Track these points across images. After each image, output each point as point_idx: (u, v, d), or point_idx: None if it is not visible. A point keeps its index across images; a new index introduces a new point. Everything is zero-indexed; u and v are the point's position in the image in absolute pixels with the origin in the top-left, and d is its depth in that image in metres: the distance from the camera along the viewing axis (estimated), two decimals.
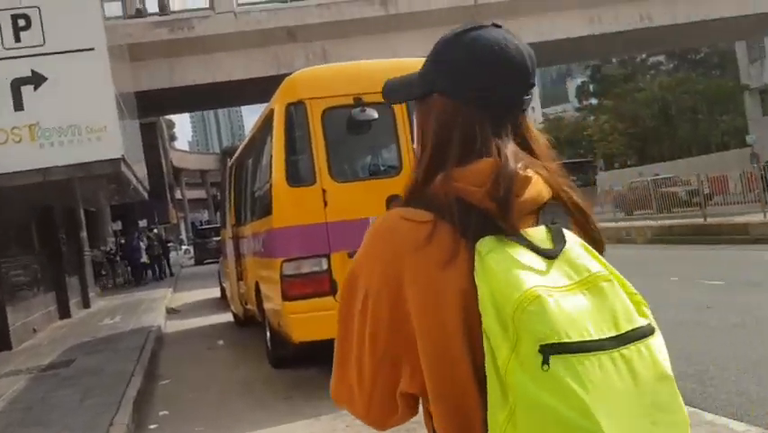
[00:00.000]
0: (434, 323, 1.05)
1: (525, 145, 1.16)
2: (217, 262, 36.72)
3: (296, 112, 6.61)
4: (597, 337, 0.96)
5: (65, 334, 12.95)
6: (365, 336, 1.12)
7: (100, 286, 21.70)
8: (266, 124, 7.35)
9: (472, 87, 1.13)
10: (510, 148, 1.12)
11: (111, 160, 11.50)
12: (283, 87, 6.89)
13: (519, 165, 1.10)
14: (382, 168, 7.10)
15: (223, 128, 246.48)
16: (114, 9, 26.06)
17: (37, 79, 11.16)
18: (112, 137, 11.51)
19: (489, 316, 0.98)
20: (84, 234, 17.55)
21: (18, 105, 11.09)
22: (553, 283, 0.99)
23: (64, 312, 15.85)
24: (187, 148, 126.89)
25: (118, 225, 32.80)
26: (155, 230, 26.66)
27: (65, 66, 11.24)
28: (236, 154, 9.63)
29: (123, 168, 11.83)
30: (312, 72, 7.12)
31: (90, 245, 20.93)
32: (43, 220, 15.49)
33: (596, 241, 1.14)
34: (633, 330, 1.00)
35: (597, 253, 1.07)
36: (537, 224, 1.10)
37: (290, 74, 7.18)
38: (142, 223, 36.34)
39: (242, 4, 27.40)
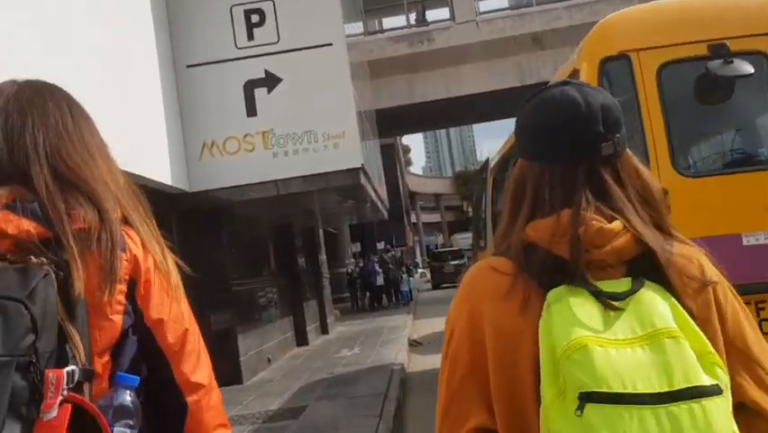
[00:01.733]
0: (507, 370, 1.13)
1: (611, 193, 1.17)
2: (456, 287, 35.39)
3: (616, 71, 4.32)
4: (642, 391, 0.98)
5: (300, 366, 11.65)
6: (444, 374, 1.22)
7: (339, 310, 20.79)
8: None
9: (535, 144, 1.23)
10: (584, 199, 1.15)
11: (349, 170, 9.98)
12: (592, 37, 4.59)
13: (596, 216, 1.14)
14: (761, 154, 4.52)
15: (455, 152, 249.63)
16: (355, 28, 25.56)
17: (271, 81, 9.95)
18: (350, 144, 9.99)
19: (545, 362, 1.05)
20: (323, 255, 16.54)
21: (251, 111, 9.94)
22: (610, 335, 1.03)
23: (301, 339, 14.77)
24: (420, 173, 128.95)
25: (357, 247, 32.40)
26: (391, 252, 25.30)
27: (300, 65, 9.93)
28: (498, 157, 7.53)
29: (363, 179, 10.26)
30: (639, 12, 4.76)
31: (328, 267, 20.08)
32: (281, 240, 14.55)
33: (686, 298, 1.13)
34: (688, 388, 0.99)
35: (678, 307, 1.08)
36: (627, 275, 1.12)
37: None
38: (380, 245, 35.91)
39: (484, 12, 25.70)
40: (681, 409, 0.97)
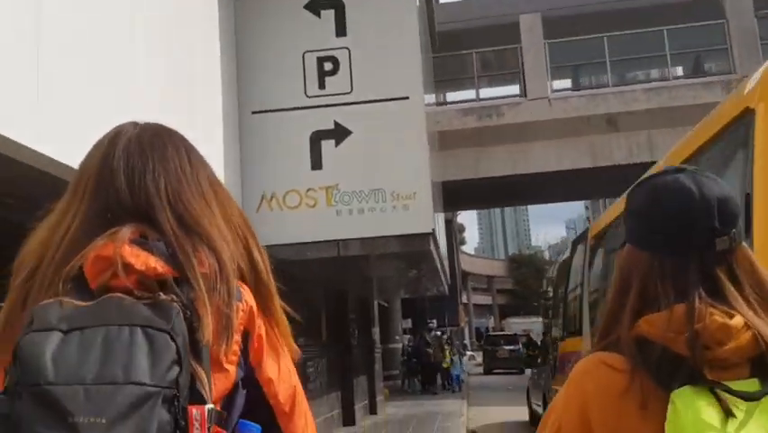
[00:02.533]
0: None
1: (724, 290, 1.14)
2: (509, 373, 34.09)
3: None
4: None
5: None
6: None
7: (388, 388, 19.49)
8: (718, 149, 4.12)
9: (645, 233, 1.20)
10: (697, 295, 1.12)
11: (419, 235, 9.04)
12: None
13: (715, 311, 1.10)
14: None
15: (509, 235, 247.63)
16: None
17: (340, 133, 9.17)
18: (422, 207, 9.07)
19: None
20: (377, 328, 15.48)
21: (316, 164, 9.15)
22: None
23: (348, 418, 13.60)
24: (473, 253, 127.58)
25: (408, 323, 31.18)
26: (434, 332, 23.49)
27: (373, 118, 9.16)
28: (602, 226, 6.49)
29: (432, 247, 9.30)
30: None
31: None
32: (335, 307, 13.58)
33: None
34: None
35: None
36: (752, 375, 1.08)
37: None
38: (431, 323, 34.57)
39: (558, 90, 24.94)
40: None
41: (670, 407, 1.05)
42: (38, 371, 1.00)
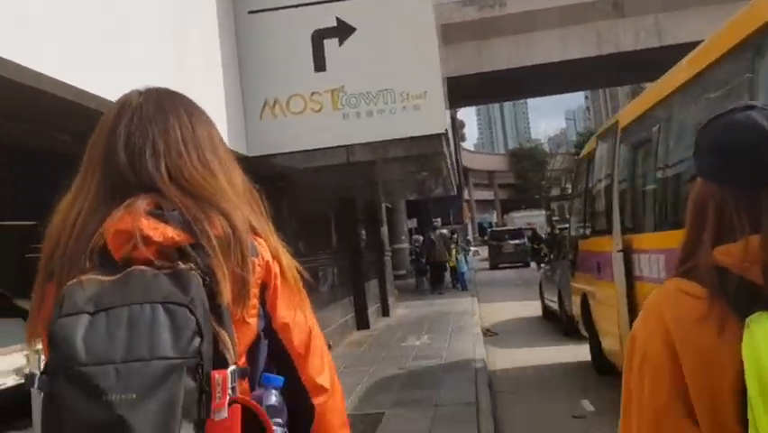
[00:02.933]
0: (706, 389, 1.14)
1: None
2: (515, 267, 34.26)
3: None
4: None
5: (364, 356, 10.42)
6: (645, 394, 1.21)
7: (398, 289, 19.50)
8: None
9: (718, 167, 1.23)
10: None
11: (431, 136, 8.63)
12: None
13: None
14: None
15: (509, 129, 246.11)
16: None
17: (343, 31, 8.60)
18: (433, 106, 8.62)
19: (754, 388, 1.06)
20: (385, 230, 15.27)
21: (319, 65, 8.62)
22: None
23: (362, 322, 13.57)
24: (472, 149, 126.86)
25: (413, 223, 31.09)
26: (439, 231, 22.56)
27: (377, 12, 8.57)
28: (632, 117, 6.06)
29: (445, 148, 8.90)
30: None
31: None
32: (343, 213, 13.32)
33: None
34: None
35: None
36: None
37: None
38: (436, 222, 34.53)
39: None
40: None
41: (746, 331, 1.10)
42: (71, 354, 1.07)
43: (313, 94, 8.61)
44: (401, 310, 16.78)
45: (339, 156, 8.69)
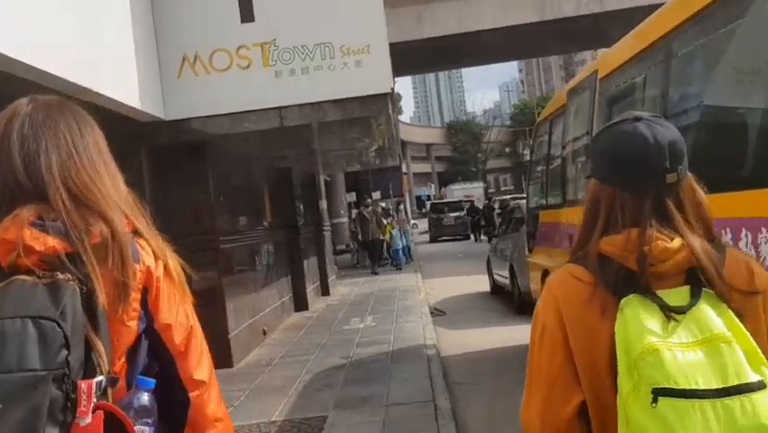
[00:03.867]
0: (588, 361, 1.36)
1: (671, 217, 1.39)
2: (456, 240, 33.72)
3: None
4: (703, 387, 1.20)
5: (303, 342, 9.45)
6: (543, 361, 1.43)
7: (338, 265, 18.50)
8: None
9: (609, 172, 1.44)
10: (649, 222, 1.37)
11: (376, 96, 7.64)
12: None
13: (659, 235, 1.36)
14: None
15: (444, 102, 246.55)
16: None
17: None
18: (378, 62, 7.63)
19: (621, 360, 1.27)
20: (324, 205, 14.24)
21: (247, 15, 7.54)
22: (675, 340, 1.25)
23: (300, 303, 12.59)
24: (408, 121, 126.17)
25: (352, 197, 30.10)
26: (371, 206, 20.41)
27: None
28: (615, 65, 5.16)
29: (391, 110, 7.93)
30: None
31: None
32: (279, 186, 12.24)
33: (735, 303, 1.33)
34: (739, 385, 1.21)
35: (729, 314, 1.29)
36: (686, 283, 1.35)
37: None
38: (376, 195, 33.60)
39: None
40: (733, 401, 1.20)
41: (619, 313, 1.32)
42: None
43: (239, 48, 7.52)
44: (342, 288, 15.85)
45: (271, 120, 7.64)
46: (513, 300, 11.09)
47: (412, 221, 49.25)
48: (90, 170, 1.38)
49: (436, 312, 11.41)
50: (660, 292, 1.32)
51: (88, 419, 1.19)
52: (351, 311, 12.01)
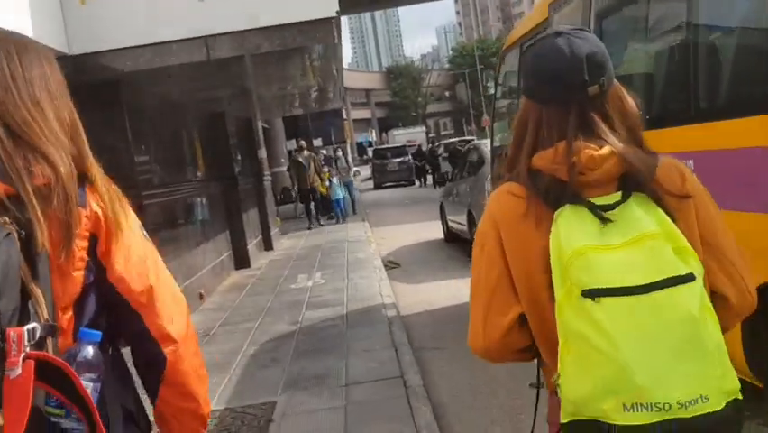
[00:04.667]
0: (524, 271, 1.43)
1: (597, 127, 1.42)
2: (399, 186, 32.95)
3: None
4: (630, 285, 1.25)
5: (245, 306, 8.46)
6: (481, 277, 1.50)
7: (279, 218, 17.34)
8: None
9: (534, 89, 1.49)
10: (576, 132, 1.41)
11: (319, 21, 6.55)
12: None
13: (588, 144, 1.39)
14: None
15: (381, 46, 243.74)
16: None
17: None
18: None
19: (555, 266, 1.33)
20: (264, 153, 13.08)
21: None
22: (605, 242, 1.30)
23: (241, 261, 11.55)
24: (346, 67, 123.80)
25: (292, 145, 28.85)
26: (306, 152, 17.14)
27: None
28: None
29: (336, 38, 6.85)
30: None
31: None
32: (212, 133, 11.05)
33: (667, 204, 1.39)
34: (666, 279, 1.25)
35: (659, 212, 1.35)
36: (618, 190, 1.39)
37: None
38: (317, 142, 32.38)
39: None
40: (660, 294, 1.25)
41: (553, 223, 1.36)
42: None
43: None
44: (287, 241, 14.83)
45: (196, 51, 6.50)
46: (471, 248, 10.30)
47: (354, 168, 48.23)
48: (30, 105, 1.28)
49: (390, 264, 10.53)
50: (593, 201, 1.36)
51: (18, 370, 1.10)
52: (297, 267, 11.03)
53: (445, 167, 28.54)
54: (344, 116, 59.02)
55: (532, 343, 1.46)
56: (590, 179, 1.37)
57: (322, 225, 17.22)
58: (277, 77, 9.10)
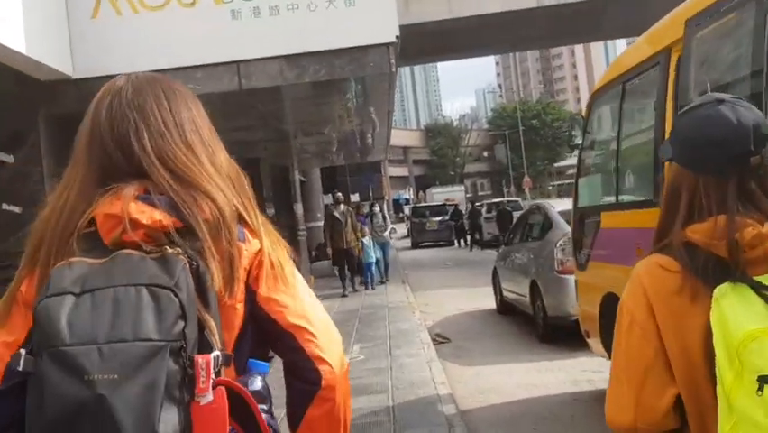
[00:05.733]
0: (681, 352, 1.33)
1: (757, 200, 1.36)
2: (438, 246, 31.58)
3: None
4: None
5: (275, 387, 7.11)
6: (632, 355, 1.39)
7: (314, 274, 16.08)
8: None
9: (691, 156, 1.41)
10: (736, 207, 1.34)
11: (375, 47, 5.40)
12: None
13: (749, 221, 1.32)
14: None
15: (420, 105, 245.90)
16: None
17: None
18: (377, 2, 5.39)
19: (720, 350, 1.23)
20: (300, 206, 11.93)
21: None
22: None
23: None
24: None
25: (328, 199, 27.83)
26: (342, 207, 14.63)
27: None
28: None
29: (394, 66, 5.67)
30: None
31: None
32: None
33: None
34: None
35: None
36: None
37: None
38: (354, 197, 31.43)
39: None
40: None
41: (713, 303, 1.27)
42: (54, 334, 1.07)
43: None
44: (322, 304, 13.51)
45: (226, 79, 5.41)
46: (534, 325, 8.93)
47: (390, 225, 46.79)
48: (185, 149, 1.31)
49: (439, 339, 9.15)
50: (758, 279, 1.27)
51: (210, 396, 1.11)
52: None
53: (489, 228, 27.27)
54: (382, 172, 58.31)
55: (681, 426, 1.36)
56: (752, 257, 1.31)
57: (356, 290, 15.51)
58: (317, 119, 7.97)
